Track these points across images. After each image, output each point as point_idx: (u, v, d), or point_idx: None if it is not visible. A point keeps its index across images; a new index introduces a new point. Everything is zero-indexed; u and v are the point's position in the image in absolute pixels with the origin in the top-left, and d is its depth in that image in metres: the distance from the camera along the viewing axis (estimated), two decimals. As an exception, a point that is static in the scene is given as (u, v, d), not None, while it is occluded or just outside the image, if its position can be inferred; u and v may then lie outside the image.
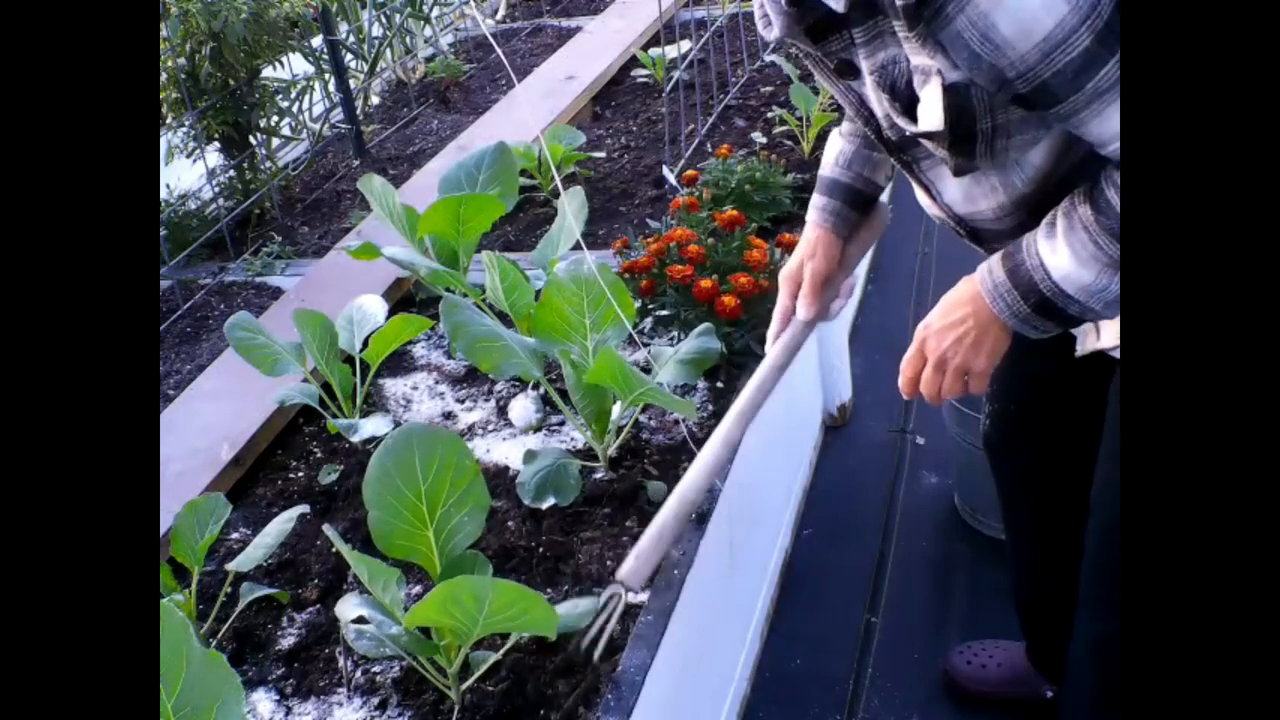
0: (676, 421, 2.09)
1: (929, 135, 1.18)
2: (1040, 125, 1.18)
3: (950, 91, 1.11)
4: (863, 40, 1.17)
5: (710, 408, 2.10)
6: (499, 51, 2.40)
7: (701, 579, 1.74)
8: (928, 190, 1.36)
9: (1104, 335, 1.36)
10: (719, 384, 2.16)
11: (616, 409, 1.96)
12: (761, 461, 2.13)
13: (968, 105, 1.13)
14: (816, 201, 1.52)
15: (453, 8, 4.96)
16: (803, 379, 2.54)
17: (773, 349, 1.46)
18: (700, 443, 2.00)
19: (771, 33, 1.21)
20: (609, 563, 1.77)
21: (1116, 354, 1.36)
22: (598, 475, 1.98)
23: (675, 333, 2.22)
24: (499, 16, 5.18)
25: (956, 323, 1.29)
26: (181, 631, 1.16)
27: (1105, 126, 1.10)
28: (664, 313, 2.21)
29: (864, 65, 1.20)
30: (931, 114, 1.14)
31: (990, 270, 1.26)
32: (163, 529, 1.86)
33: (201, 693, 1.16)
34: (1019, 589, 1.94)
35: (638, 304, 2.16)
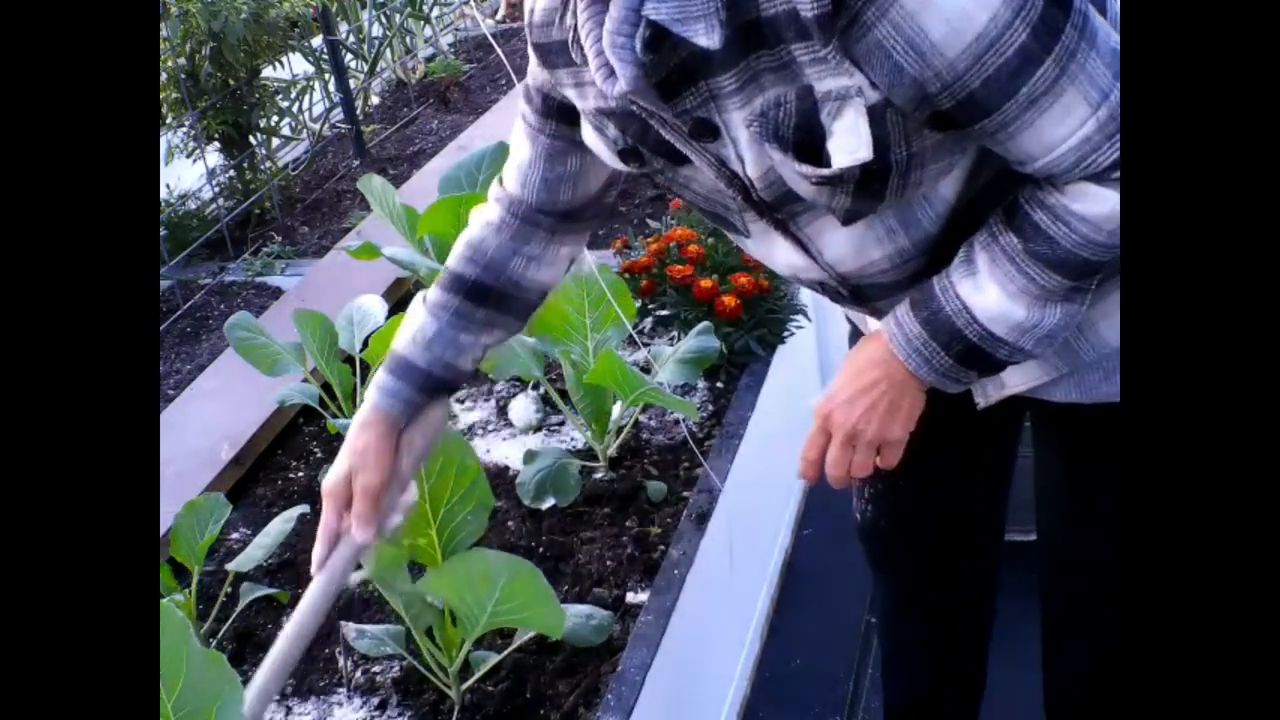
0: (676, 421, 2.09)
1: (836, 179, 1.00)
2: (956, 150, 1.04)
3: (870, 117, 0.97)
4: (733, 88, 0.99)
5: (710, 408, 2.10)
6: (499, 51, 2.40)
7: (701, 579, 1.74)
8: (805, 249, 1.15)
9: (1009, 377, 1.21)
10: (719, 384, 2.16)
11: (616, 409, 1.96)
12: (761, 461, 2.13)
13: (882, 132, 0.98)
14: (381, 380, 1.26)
15: (453, 8, 4.96)
16: (803, 379, 2.54)
17: (319, 577, 1.21)
18: (700, 442, 2.00)
19: (614, 86, 0.99)
20: (609, 563, 1.77)
21: (1042, 393, 1.21)
22: (598, 475, 1.98)
23: (675, 333, 2.22)
24: (499, 16, 5.18)
25: (866, 388, 1.13)
26: (181, 631, 1.16)
27: (1036, 140, 0.98)
28: (664, 313, 2.21)
29: (734, 118, 1.02)
30: (855, 145, 0.98)
31: (899, 323, 1.11)
32: (163, 529, 1.86)
33: (201, 693, 1.16)
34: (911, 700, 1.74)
35: (638, 304, 2.16)
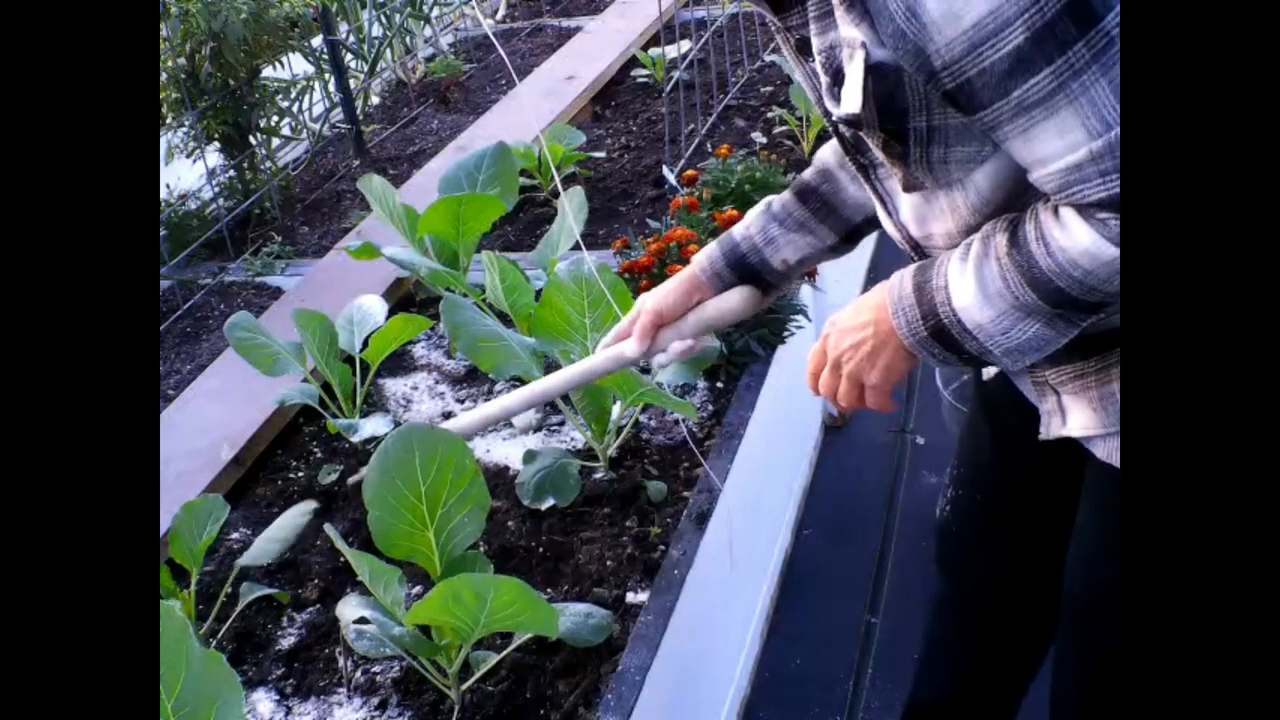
0: (676, 421, 2.09)
1: (854, 123, 1.05)
2: (985, 140, 1.03)
3: (877, 74, 0.99)
4: (815, 15, 1.05)
5: (710, 408, 2.10)
6: (500, 51, 2.40)
7: (701, 579, 1.74)
8: (884, 204, 1.21)
9: (1070, 419, 1.20)
10: (719, 384, 2.16)
11: (616, 409, 1.96)
12: (762, 461, 2.13)
13: (899, 95, 1.00)
14: (708, 244, 1.42)
15: (453, 8, 4.96)
16: (803, 379, 2.54)
17: (579, 364, 1.45)
18: (700, 442, 2.00)
19: None
20: (609, 563, 1.77)
21: (1089, 444, 1.19)
22: (598, 475, 1.98)
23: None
24: (499, 16, 5.18)
25: (858, 327, 1.17)
26: (181, 631, 1.16)
27: (1027, 149, 0.96)
28: (664, 313, 2.20)
29: (815, 44, 1.07)
30: (851, 94, 1.01)
31: (901, 280, 1.13)
32: (162, 529, 1.86)
33: (201, 693, 1.16)
34: (931, 690, 1.75)
35: (638, 304, 2.16)
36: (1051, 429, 1.23)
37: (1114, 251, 0.96)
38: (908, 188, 1.11)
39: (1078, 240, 0.98)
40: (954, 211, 1.11)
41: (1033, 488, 1.46)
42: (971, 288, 1.05)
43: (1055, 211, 1.00)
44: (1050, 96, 0.92)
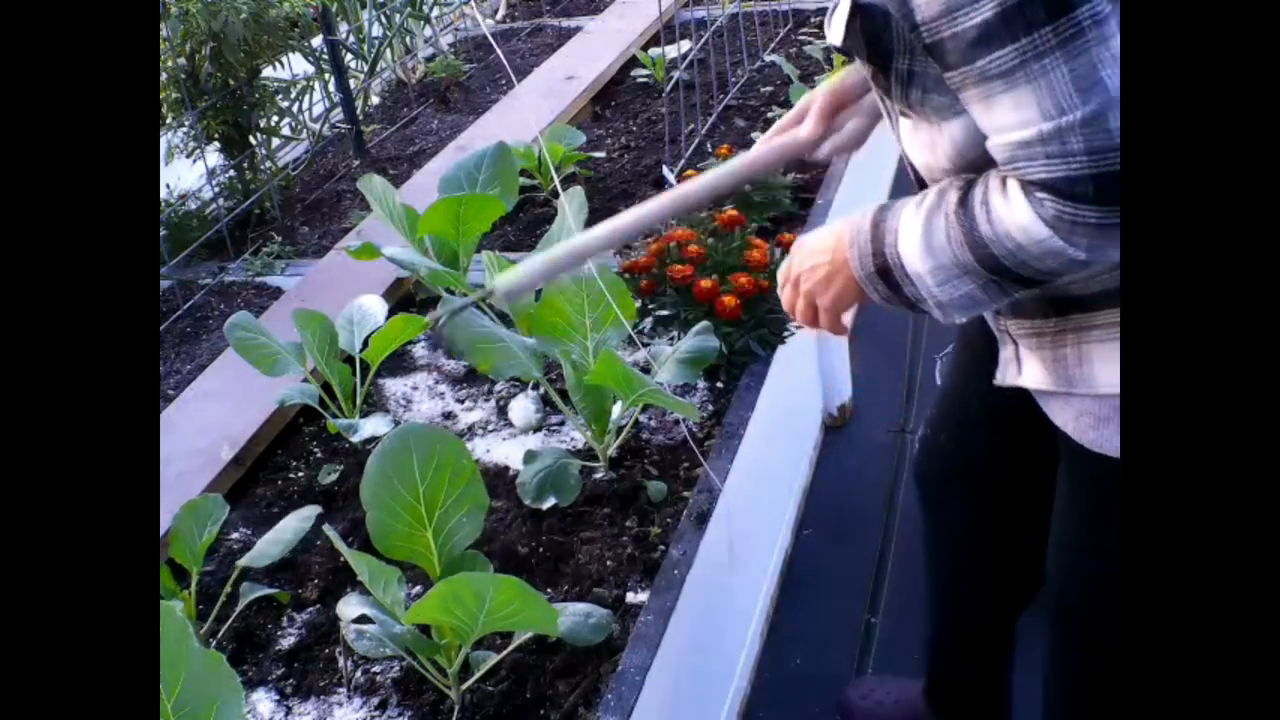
0: (676, 421, 2.09)
1: (843, 52, 1.12)
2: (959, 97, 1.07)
3: (866, 14, 1.04)
4: None
5: (710, 408, 2.10)
6: (499, 52, 2.40)
7: (701, 579, 1.74)
8: (889, 118, 1.26)
9: (1025, 370, 1.24)
10: (719, 384, 2.16)
11: (616, 409, 1.96)
12: (762, 461, 2.13)
13: (885, 38, 1.05)
14: None
15: (453, 8, 4.96)
16: (803, 379, 2.55)
17: (755, 148, 1.41)
18: (700, 442, 2.00)
19: None
20: (609, 563, 1.77)
21: (1043, 400, 1.24)
22: (598, 475, 1.98)
23: (675, 333, 2.22)
24: (499, 16, 5.18)
25: (820, 250, 1.22)
26: (181, 631, 1.16)
27: (986, 117, 1.01)
28: (664, 313, 2.21)
29: None
30: (836, 27, 1.08)
31: (865, 215, 1.18)
32: (163, 529, 1.86)
33: (201, 693, 1.16)
34: (931, 627, 1.81)
35: (638, 304, 2.16)
36: (1007, 376, 1.27)
37: (1046, 233, 1.00)
38: (903, 113, 1.16)
39: (1016, 214, 1.02)
40: (933, 149, 1.15)
41: (1003, 434, 1.48)
42: (918, 236, 1.10)
43: (1004, 182, 1.04)
44: (1011, 73, 0.96)
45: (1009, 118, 0.98)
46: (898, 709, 1.92)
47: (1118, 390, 1.14)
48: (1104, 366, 1.15)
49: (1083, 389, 1.17)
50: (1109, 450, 1.17)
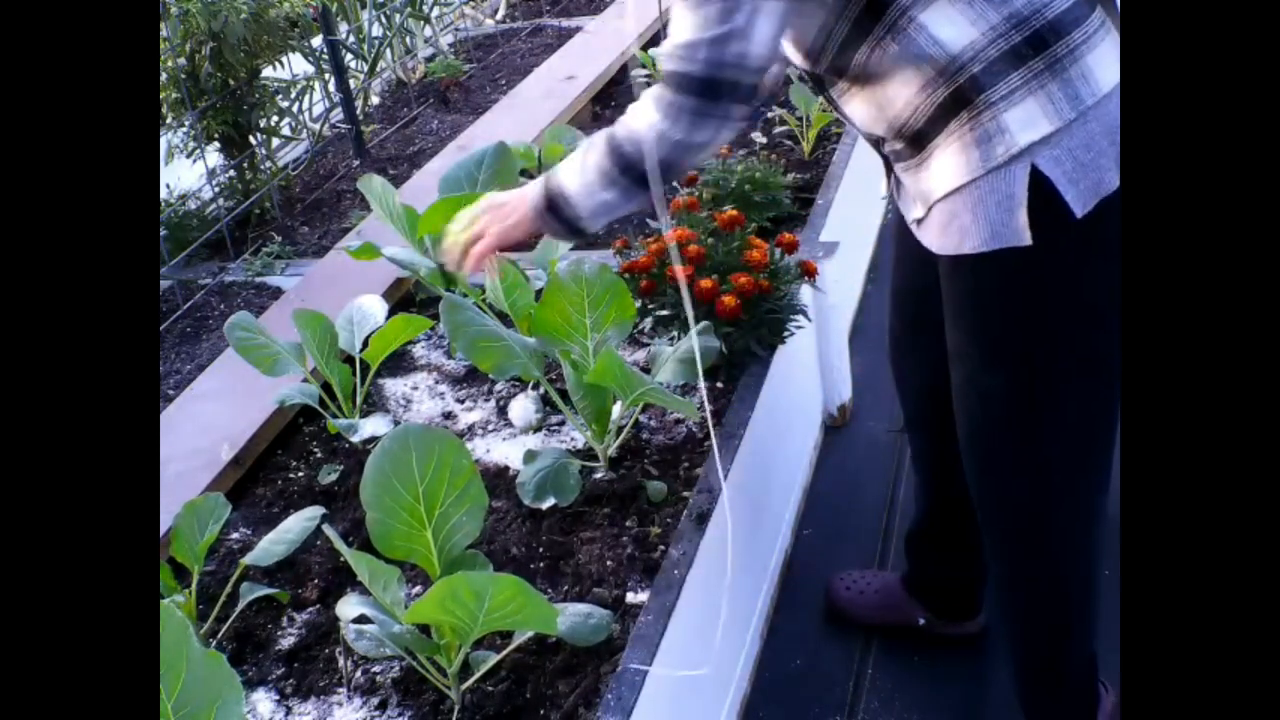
0: (677, 421, 2.09)
1: None
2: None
3: None
4: None
5: (710, 407, 2.10)
6: (499, 51, 2.40)
7: (701, 579, 1.74)
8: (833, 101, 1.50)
9: (913, 206, 1.45)
10: (719, 384, 2.16)
11: (617, 409, 1.96)
12: (762, 461, 2.13)
13: None
14: None
15: (453, 8, 4.96)
16: (803, 379, 2.54)
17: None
18: (700, 442, 1.99)
19: None
20: (609, 563, 1.77)
21: (919, 234, 1.44)
22: (598, 475, 1.98)
23: (675, 333, 2.22)
24: (499, 16, 5.18)
25: (512, 196, 1.50)
26: (181, 631, 1.16)
27: (672, 29, 1.28)
28: (664, 313, 2.21)
29: None
30: None
31: (555, 168, 1.44)
32: (162, 529, 1.86)
33: (201, 693, 1.16)
34: (916, 515, 1.99)
35: (638, 304, 2.16)
36: (911, 213, 1.47)
37: (656, 117, 1.31)
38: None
39: (641, 109, 1.33)
40: (847, 99, 1.41)
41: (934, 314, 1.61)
42: (576, 164, 1.40)
43: (641, 100, 1.33)
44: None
45: (677, 28, 1.28)
46: (878, 597, 2.10)
47: (949, 190, 1.34)
48: (939, 175, 1.35)
49: (933, 200, 1.38)
50: (949, 249, 1.38)
